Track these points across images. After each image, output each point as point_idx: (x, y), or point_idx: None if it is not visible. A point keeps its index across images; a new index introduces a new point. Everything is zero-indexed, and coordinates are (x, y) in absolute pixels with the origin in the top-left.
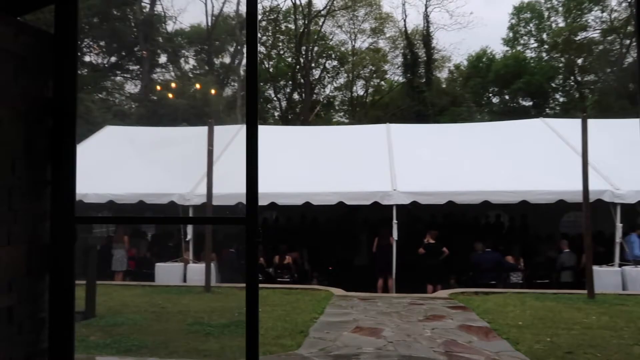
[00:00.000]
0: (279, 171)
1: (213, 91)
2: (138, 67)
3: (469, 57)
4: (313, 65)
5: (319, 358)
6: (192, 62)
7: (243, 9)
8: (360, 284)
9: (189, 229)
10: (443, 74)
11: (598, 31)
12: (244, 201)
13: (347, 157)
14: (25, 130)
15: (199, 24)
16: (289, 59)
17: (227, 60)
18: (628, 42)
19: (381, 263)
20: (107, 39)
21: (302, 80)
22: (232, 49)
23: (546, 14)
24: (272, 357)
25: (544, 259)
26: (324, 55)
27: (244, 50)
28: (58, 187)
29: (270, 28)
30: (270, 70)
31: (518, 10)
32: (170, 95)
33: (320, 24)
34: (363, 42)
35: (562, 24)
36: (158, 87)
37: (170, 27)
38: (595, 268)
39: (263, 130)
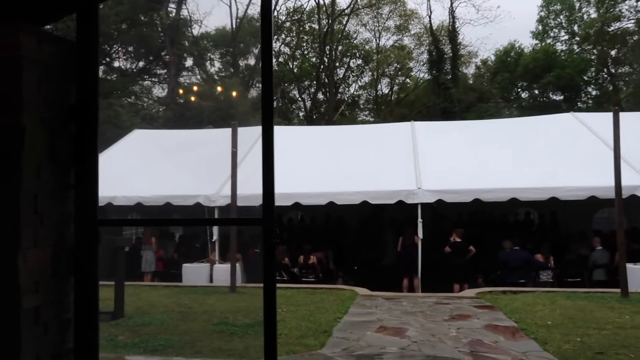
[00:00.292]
0: (303, 171)
1: (235, 93)
2: (165, 71)
3: (497, 51)
4: (337, 64)
5: (342, 358)
6: (217, 64)
7: None
8: (386, 284)
9: (215, 229)
10: (470, 70)
11: (632, 21)
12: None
13: (371, 156)
14: (50, 137)
15: (224, 27)
16: (313, 59)
17: (251, 62)
18: None
19: (406, 262)
20: (135, 44)
21: (326, 80)
22: (256, 51)
23: (577, 5)
24: (295, 357)
25: (575, 257)
26: (348, 54)
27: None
28: (81, 191)
29: (294, 29)
30: (295, 70)
31: (547, 2)
32: (192, 99)
33: (344, 22)
34: (387, 40)
35: (594, 15)
36: (181, 91)
37: (195, 30)
38: (629, 266)
39: (288, 131)
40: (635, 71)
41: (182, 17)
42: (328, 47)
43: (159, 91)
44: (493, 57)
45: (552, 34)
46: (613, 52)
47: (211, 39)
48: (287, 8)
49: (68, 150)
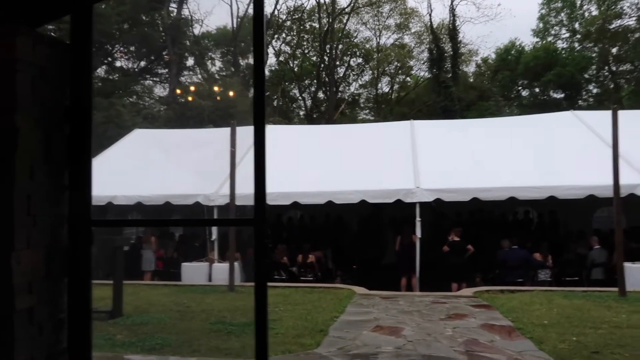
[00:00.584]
0: (303, 170)
1: (235, 92)
2: (166, 70)
3: (497, 50)
4: (338, 63)
5: (337, 357)
6: (218, 64)
7: (267, 9)
8: (384, 283)
9: (214, 228)
10: (470, 68)
11: (634, 18)
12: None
13: (370, 154)
14: (44, 138)
15: (225, 26)
16: (314, 58)
17: (252, 61)
18: None
19: (404, 261)
20: (136, 44)
21: (326, 79)
22: None
23: (578, 2)
24: (291, 356)
25: (574, 256)
26: (349, 53)
27: (268, 50)
28: (75, 191)
29: (294, 27)
30: (295, 69)
31: (548, 0)
32: (189, 98)
33: (345, 21)
34: (388, 39)
35: (595, 12)
36: (178, 91)
37: (197, 30)
38: (628, 265)
39: (288, 130)
40: (637, 69)
41: (183, 16)
42: (328, 46)
43: (160, 91)
44: (494, 55)
45: (553, 32)
46: (614, 50)
47: (212, 38)
48: (287, 7)
49: (63, 151)
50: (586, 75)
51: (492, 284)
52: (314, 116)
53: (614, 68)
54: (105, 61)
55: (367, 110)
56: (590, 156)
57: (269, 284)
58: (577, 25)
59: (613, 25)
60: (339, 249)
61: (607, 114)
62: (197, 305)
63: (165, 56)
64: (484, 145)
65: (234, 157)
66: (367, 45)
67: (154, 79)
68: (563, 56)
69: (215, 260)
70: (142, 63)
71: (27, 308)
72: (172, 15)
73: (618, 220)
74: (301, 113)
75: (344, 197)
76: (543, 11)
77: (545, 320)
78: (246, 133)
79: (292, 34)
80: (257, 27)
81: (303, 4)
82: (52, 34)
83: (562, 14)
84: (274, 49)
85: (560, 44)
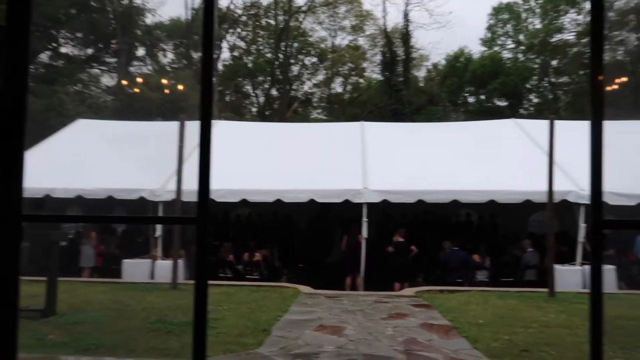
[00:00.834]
0: (253, 168)
1: (186, 86)
2: (115, 59)
3: (447, 56)
4: (292, 61)
5: (278, 357)
6: (170, 56)
7: (223, 2)
8: (330, 282)
9: (159, 225)
10: (421, 73)
11: (573, 34)
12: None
13: (320, 154)
14: None
15: (178, 18)
16: (268, 55)
17: None
18: None
19: (350, 261)
20: (84, 30)
21: (280, 76)
22: None
23: (524, 15)
24: (232, 356)
25: (510, 258)
26: (304, 51)
27: (222, 44)
28: (5, 184)
29: (250, 23)
30: (249, 65)
31: (496, 11)
32: (138, 90)
33: (301, 20)
34: (343, 40)
35: (539, 26)
36: (124, 82)
37: (149, 19)
38: (558, 267)
39: (239, 126)
40: (574, 82)
41: (134, 4)
42: (284, 44)
43: (108, 80)
44: (444, 62)
45: (499, 42)
46: (554, 62)
47: (165, 29)
48: (244, 2)
49: None
50: (528, 85)
51: (433, 284)
52: (267, 113)
53: (553, 80)
54: (50, 46)
55: (320, 110)
56: (528, 163)
57: (213, 282)
58: (521, 37)
59: (554, 39)
60: (286, 247)
61: (545, 124)
62: (137, 304)
63: (114, 45)
64: (431, 148)
65: (182, 152)
66: (322, 45)
67: (101, 67)
68: (508, 66)
69: (158, 257)
70: (89, 50)
71: None
72: (123, 2)
73: (551, 224)
74: (253, 109)
75: (293, 195)
76: (491, 22)
77: (481, 320)
78: (196, 128)
79: (247, 29)
80: (207, 19)
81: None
82: None
83: (509, 26)
84: (228, 44)
85: (506, 54)
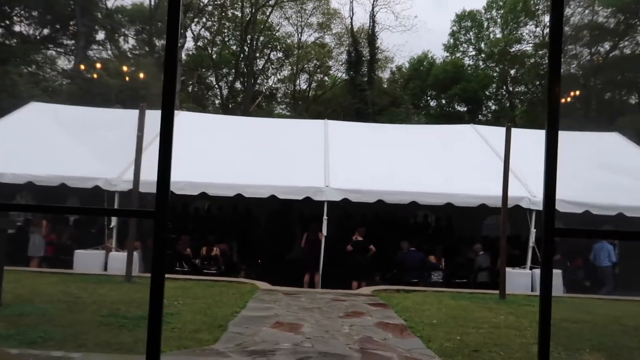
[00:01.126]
0: (214, 160)
1: (148, 74)
2: (73, 42)
3: (411, 59)
4: (257, 55)
5: (234, 354)
6: (131, 41)
7: None
8: (288, 279)
9: None
10: (385, 74)
11: (531, 45)
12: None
13: (283, 150)
14: None
15: (141, 3)
16: (234, 47)
17: None
18: None
19: (309, 258)
20: (40, 9)
21: (245, 70)
22: None
23: (485, 24)
24: (186, 352)
25: (464, 260)
26: (270, 46)
27: (186, 34)
28: None
29: (216, 13)
30: (214, 56)
31: (460, 18)
32: (95, 75)
33: (268, 14)
34: (309, 36)
35: (499, 35)
36: (82, 67)
37: (110, 2)
38: (509, 270)
39: (201, 118)
40: (530, 91)
41: None
42: (249, 37)
43: (64, 63)
44: (407, 65)
45: (461, 49)
46: (512, 72)
47: (127, 14)
48: None
49: None
50: (487, 92)
51: (390, 283)
52: (230, 106)
53: (511, 88)
54: (2, 24)
55: (284, 106)
56: (485, 168)
57: (170, 276)
58: (482, 45)
59: (513, 49)
60: (245, 242)
61: (502, 130)
62: (89, 296)
63: (72, 26)
64: (393, 150)
65: (141, 141)
66: (289, 41)
67: (58, 49)
68: (469, 72)
69: (112, 249)
70: (46, 31)
71: None
72: None
73: (504, 229)
74: (216, 102)
75: (254, 191)
76: (454, 28)
77: (435, 320)
78: (156, 117)
79: (213, 19)
80: (172, 7)
81: None
82: None
83: (471, 33)
84: (192, 33)
85: (467, 61)
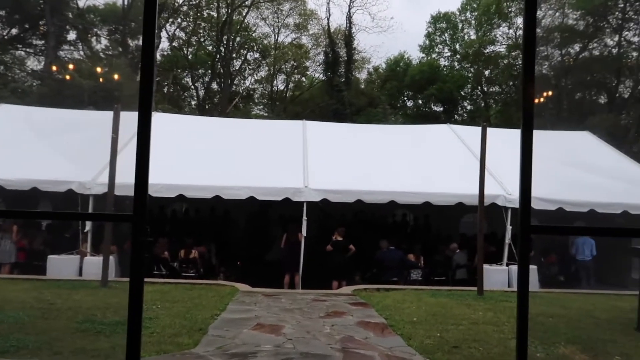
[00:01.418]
0: (191, 162)
1: (121, 75)
2: (43, 42)
3: (388, 60)
4: (234, 55)
5: (215, 357)
6: (104, 42)
7: None
8: (268, 280)
9: None
10: (362, 75)
11: (504, 46)
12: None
13: (261, 151)
14: None
15: (114, 2)
16: (210, 48)
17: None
18: None
19: (288, 259)
20: (7, 8)
21: (222, 70)
22: None
23: (460, 25)
24: (166, 357)
25: (443, 258)
26: (246, 46)
27: (161, 34)
28: None
29: (191, 14)
30: (190, 57)
31: (435, 20)
32: (67, 77)
33: (244, 14)
34: (286, 37)
35: (473, 37)
36: (54, 67)
37: (82, 2)
38: (486, 267)
39: (177, 119)
40: (504, 91)
41: None
42: (226, 37)
43: (34, 64)
44: (384, 65)
45: (437, 50)
46: (487, 72)
47: (99, 14)
48: None
49: None
50: (462, 93)
51: (370, 283)
52: (206, 107)
53: (485, 88)
54: None
55: (261, 106)
56: (461, 167)
57: (147, 279)
58: (457, 46)
59: (487, 50)
60: (223, 244)
61: (477, 130)
62: (64, 302)
63: (42, 26)
64: (370, 150)
65: (115, 143)
66: (265, 41)
67: (27, 49)
68: (444, 73)
69: (87, 254)
70: (14, 30)
71: None
72: None
73: (480, 226)
74: (193, 103)
75: (232, 192)
76: (430, 29)
77: (415, 318)
78: (131, 119)
79: (188, 20)
80: (148, 7)
81: None
82: None
83: (446, 34)
84: (167, 33)
85: (443, 62)
